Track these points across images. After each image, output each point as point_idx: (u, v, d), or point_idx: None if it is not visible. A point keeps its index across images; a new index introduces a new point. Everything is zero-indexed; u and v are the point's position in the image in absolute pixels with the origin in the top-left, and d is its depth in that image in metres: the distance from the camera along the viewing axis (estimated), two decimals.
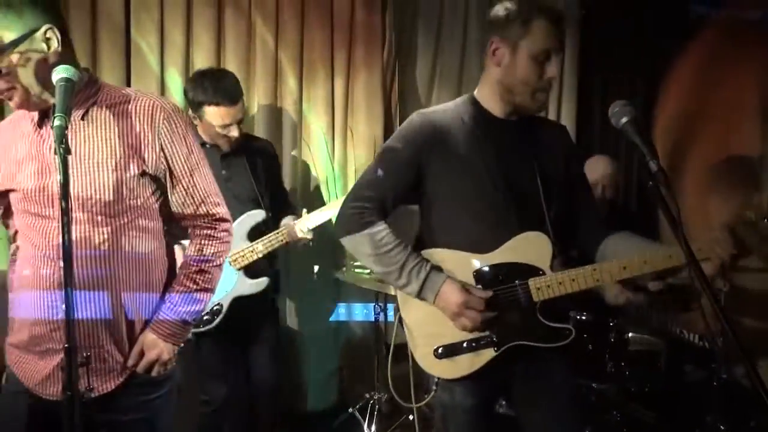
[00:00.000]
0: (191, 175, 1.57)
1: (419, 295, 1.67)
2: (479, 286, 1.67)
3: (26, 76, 1.40)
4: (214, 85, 2.35)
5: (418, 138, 1.69)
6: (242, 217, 2.46)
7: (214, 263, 1.63)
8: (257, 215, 2.49)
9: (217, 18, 3.05)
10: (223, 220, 1.65)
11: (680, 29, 3.36)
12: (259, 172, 2.58)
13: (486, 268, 1.68)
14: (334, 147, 3.32)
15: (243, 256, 2.45)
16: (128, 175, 1.48)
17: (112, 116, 1.49)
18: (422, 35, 3.53)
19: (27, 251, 1.52)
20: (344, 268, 3.30)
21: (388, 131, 3.41)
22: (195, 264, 1.60)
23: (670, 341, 2.82)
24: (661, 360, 2.90)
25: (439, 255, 1.71)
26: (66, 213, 1.21)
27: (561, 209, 1.73)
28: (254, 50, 3.13)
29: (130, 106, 1.50)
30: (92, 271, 1.46)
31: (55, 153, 1.21)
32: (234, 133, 2.42)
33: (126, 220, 1.50)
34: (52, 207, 1.46)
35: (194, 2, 3.00)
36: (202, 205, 1.60)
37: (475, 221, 1.68)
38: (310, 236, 2.51)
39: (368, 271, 3.38)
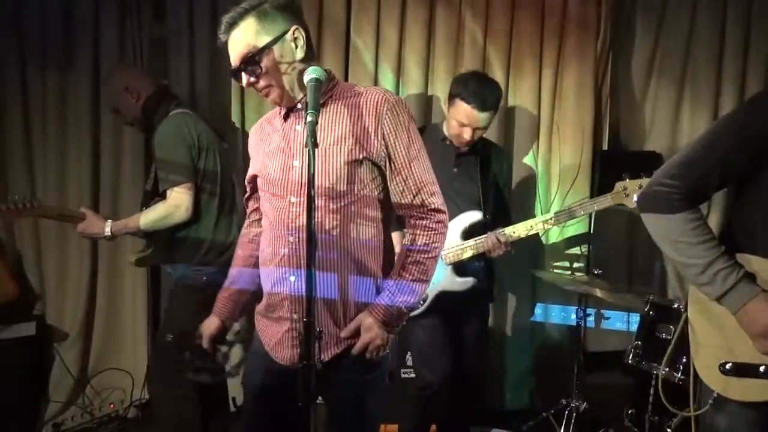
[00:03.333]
0: (410, 164, 1.60)
1: (719, 300, 1.48)
2: None
3: (280, 74, 1.56)
4: (476, 86, 2.41)
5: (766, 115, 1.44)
6: (460, 215, 2.51)
7: (429, 254, 1.63)
8: (474, 216, 2.52)
9: (429, 15, 3.12)
10: (438, 211, 1.64)
11: None
12: (489, 176, 2.60)
13: None
14: (539, 142, 3.22)
15: (453, 254, 2.50)
16: (354, 160, 1.56)
17: (344, 108, 1.59)
18: (641, 20, 3.27)
19: (266, 230, 1.69)
20: (543, 268, 3.21)
21: (597, 127, 3.22)
22: (410, 254, 1.63)
23: None
24: None
25: (759, 264, 1.48)
26: (312, 200, 1.32)
27: None
28: (462, 45, 3.15)
29: (360, 99, 1.59)
30: (322, 253, 1.56)
31: (306, 146, 1.33)
32: (466, 135, 2.45)
33: (354, 208, 1.59)
34: (291, 192, 1.59)
35: (408, 1, 3.10)
36: (419, 194, 1.62)
37: None
38: (506, 248, 2.49)
39: (570, 272, 3.26)
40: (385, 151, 1.59)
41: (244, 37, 1.52)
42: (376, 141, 1.57)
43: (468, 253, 2.50)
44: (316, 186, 1.49)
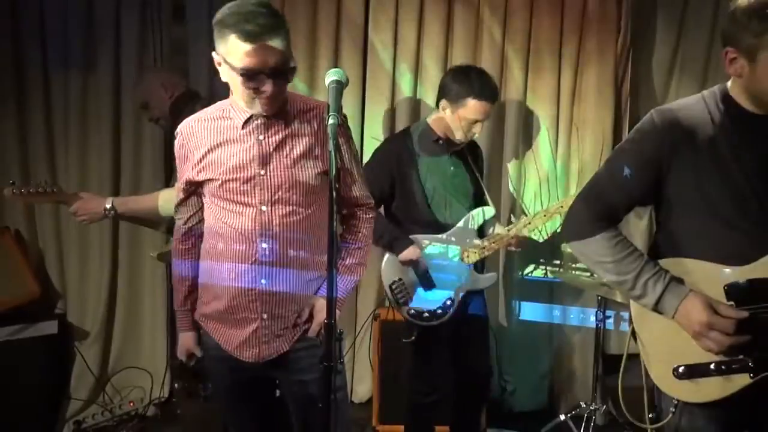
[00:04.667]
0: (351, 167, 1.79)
1: (655, 308, 1.53)
2: (731, 303, 1.48)
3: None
4: (481, 82, 2.45)
5: (659, 136, 1.54)
6: (474, 212, 2.51)
7: (356, 246, 1.86)
8: (488, 212, 2.53)
9: (447, 13, 3.11)
10: (365, 211, 1.87)
11: None
12: (477, 170, 2.64)
13: (740, 283, 1.48)
14: (558, 142, 3.20)
15: (474, 252, 2.49)
16: (310, 174, 1.68)
17: (298, 123, 1.69)
18: (662, 18, 3.22)
19: (220, 235, 1.70)
20: (561, 270, 3.18)
21: (617, 127, 3.19)
22: (344, 246, 1.84)
23: None
24: None
25: (682, 266, 1.55)
26: (335, 203, 1.35)
27: None
28: (481, 43, 3.13)
29: (311, 113, 1.70)
30: (290, 250, 1.67)
31: (328, 149, 1.38)
32: (478, 130, 2.48)
33: (317, 210, 1.71)
34: (261, 200, 1.66)
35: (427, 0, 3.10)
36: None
37: (727, 230, 1.50)
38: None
39: (588, 273, 3.23)
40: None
41: (280, 45, 1.54)
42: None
43: (489, 251, 2.52)
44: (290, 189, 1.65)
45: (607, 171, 1.62)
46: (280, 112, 1.66)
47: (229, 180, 1.65)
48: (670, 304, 1.51)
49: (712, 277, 1.51)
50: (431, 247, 2.49)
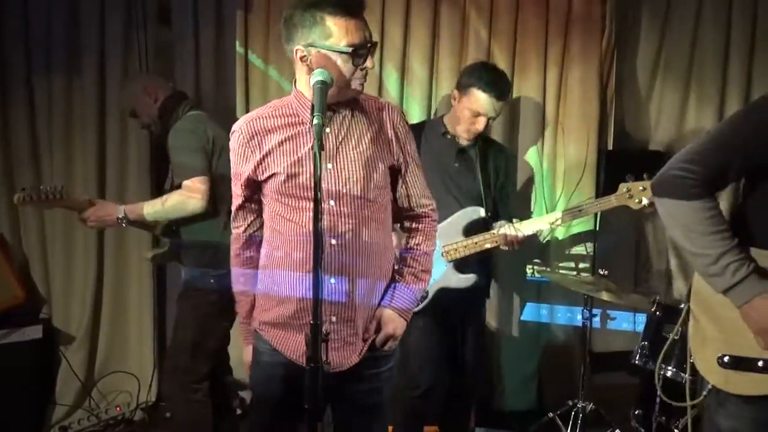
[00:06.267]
0: (416, 170, 1.76)
1: (725, 292, 1.47)
2: None
3: None
4: (492, 76, 2.46)
5: None
6: (461, 211, 2.51)
7: (423, 251, 1.81)
8: (476, 212, 2.52)
9: (433, 13, 3.11)
10: (433, 212, 1.83)
11: None
12: (489, 171, 2.61)
13: None
14: (543, 142, 3.21)
15: (455, 250, 2.49)
16: (378, 170, 1.65)
17: (360, 113, 1.67)
18: (646, 18, 3.25)
19: (287, 234, 1.65)
20: (548, 269, 3.20)
21: (602, 126, 3.21)
22: (408, 253, 1.80)
23: None
24: None
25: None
26: (319, 202, 1.33)
27: None
28: (467, 44, 3.14)
29: (382, 111, 1.69)
30: (334, 257, 1.61)
31: (312, 149, 1.34)
32: (479, 126, 2.48)
33: (374, 211, 1.67)
34: (329, 195, 1.61)
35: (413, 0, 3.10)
36: (421, 198, 1.80)
37: None
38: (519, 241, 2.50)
39: (575, 272, 3.25)
40: (402, 158, 1.72)
41: (366, 22, 1.58)
42: (396, 149, 1.69)
43: (470, 250, 2.50)
44: (333, 192, 1.61)
45: (726, 132, 1.51)
46: (346, 104, 1.62)
47: (295, 174, 1.60)
48: (744, 294, 1.44)
49: None
50: None
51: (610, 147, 3.23)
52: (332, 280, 1.61)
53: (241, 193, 1.70)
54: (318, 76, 1.45)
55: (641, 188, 2.42)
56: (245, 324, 1.78)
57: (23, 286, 3.05)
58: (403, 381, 2.57)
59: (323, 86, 1.44)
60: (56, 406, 3.14)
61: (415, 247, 1.79)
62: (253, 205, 1.72)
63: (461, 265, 2.53)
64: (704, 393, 1.55)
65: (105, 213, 2.40)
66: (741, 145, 1.47)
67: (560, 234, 3.22)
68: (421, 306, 2.47)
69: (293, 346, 1.66)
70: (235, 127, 1.68)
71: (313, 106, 1.42)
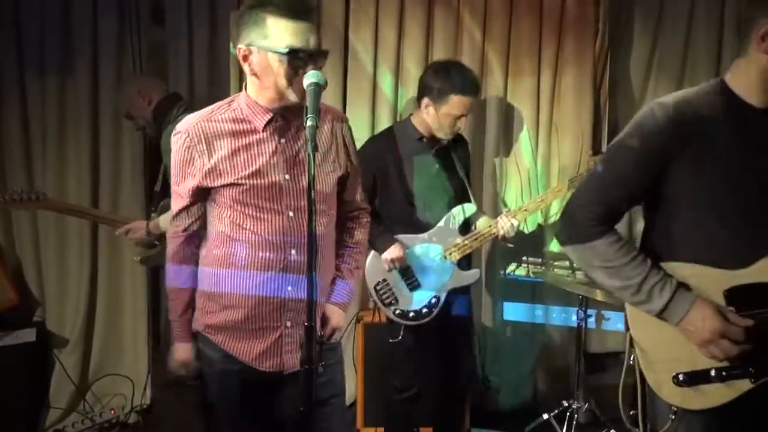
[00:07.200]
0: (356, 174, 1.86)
1: (660, 314, 1.49)
2: (731, 309, 1.46)
3: None
4: (463, 76, 2.46)
5: (662, 131, 1.45)
6: (454, 210, 2.52)
7: (361, 249, 1.93)
8: (468, 209, 2.54)
9: (427, 15, 3.12)
10: (365, 214, 1.93)
11: None
12: (465, 165, 2.66)
13: (741, 288, 1.45)
14: (538, 142, 3.22)
15: (458, 249, 2.51)
16: (333, 180, 1.71)
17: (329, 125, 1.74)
18: (639, 20, 3.27)
19: (243, 242, 1.63)
20: (543, 269, 3.20)
21: (596, 127, 3.23)
22: (348, 250, 1.88)
23: None
24: None
25: (683, 270, 1.50)
26: (313, 204, 1.35)
27: None
28: (462, 45, 3.14)
29: (331, 118, 1.74)
30: (294, 267, 1.66)
31: (304, 153, 1.42)
32: (463, 125, 2.49)
33: (333, 215, 1.74)
34: (287, 205, 1.64)
35: (407, 2, 3.10)
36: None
37: (729, 231, 1.45)
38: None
39: (569, 272, 3.26)
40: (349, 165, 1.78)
41: (314, 26, 1.55)
42: (342, 155, 1.75)
43: (472, 248, 2.54)
44: (316, 194, 1.53)
45: (607, 169, 1.53)
46: (298, 114, 1.56)
47: (253, 185, 1.59)
48: (677, 311, 1.46)
49: (713, 282, 1.47)
50: (414, 247, 2.50)
51: (604, 148, 3.25)
52: (289, 288, 1.64)
53: (187, 197, 1.67)
54: (312, 77, 1.45)
55: None
56: (179, 321, 1.76)
57: (16, 288, 3.02)
58: (395, 383, 2.58)
59: (317, 88, 1.43)
60: (50, 410, 3.11)
61: (356, 244, 1.88)
62: (196, 207, 1.69)
63: (462, 262, 2.56)
64: (671, 417, 1.53)
65: (138, 237, 2.58)
66: (620, 181, 1.51)
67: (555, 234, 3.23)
68: (434, 313, 2.49)
69: (246, 349, 1.68)
70: (181, 128, 1.63)
71: (304, 108, 1.40)
